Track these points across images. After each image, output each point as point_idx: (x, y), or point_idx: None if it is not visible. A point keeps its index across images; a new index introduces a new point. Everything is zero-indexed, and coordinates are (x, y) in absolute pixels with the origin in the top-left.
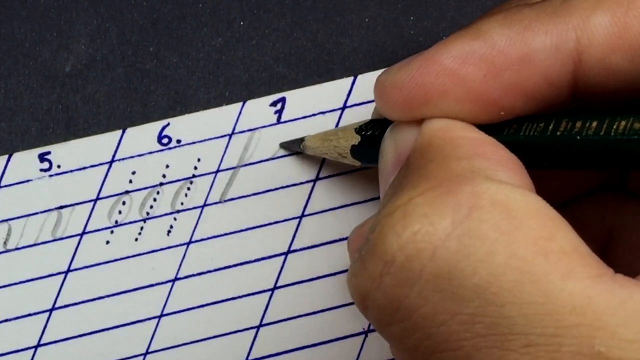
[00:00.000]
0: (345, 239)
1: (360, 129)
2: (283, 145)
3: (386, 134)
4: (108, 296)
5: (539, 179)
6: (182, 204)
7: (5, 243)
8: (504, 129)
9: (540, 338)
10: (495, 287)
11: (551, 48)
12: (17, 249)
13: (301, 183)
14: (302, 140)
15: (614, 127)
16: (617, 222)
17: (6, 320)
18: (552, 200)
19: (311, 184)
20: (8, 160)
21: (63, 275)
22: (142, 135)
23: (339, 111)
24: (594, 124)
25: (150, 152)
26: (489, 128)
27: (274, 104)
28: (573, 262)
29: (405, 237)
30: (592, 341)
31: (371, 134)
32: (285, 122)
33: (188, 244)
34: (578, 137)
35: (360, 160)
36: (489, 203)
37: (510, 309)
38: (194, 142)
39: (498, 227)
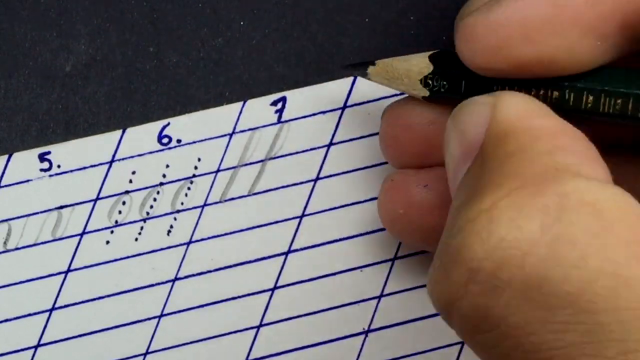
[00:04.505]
0: (345, 239)
1: (426, 82)
2: (345, 70)
3: (449, 123)
4: (108, 296)
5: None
6: (182, 203)
7: (5, 243)
8: (581, 104)
9: (638, 344)
10: (589, 294)
11: None
12: (17, 249)
13: (301, 183)
14: (367, 65)
15: None
16: None
17: (6, 320)
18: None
19: (311, 184)
20: (8, 160)
21: (63, 275)
22: (142, 135)
23: (339, 111)
24: None
25: (150, 152)
26: (565, 109)
27: (274, 103)
28: None
29: (492, 244)
30: None
31: (438, 90)
32: (285, 121)
33: (188, 244)
34: None
35: (434, 101)
36: (578, 204)
37: (605, 316)
38: (194, 142)
39: (589, 230)
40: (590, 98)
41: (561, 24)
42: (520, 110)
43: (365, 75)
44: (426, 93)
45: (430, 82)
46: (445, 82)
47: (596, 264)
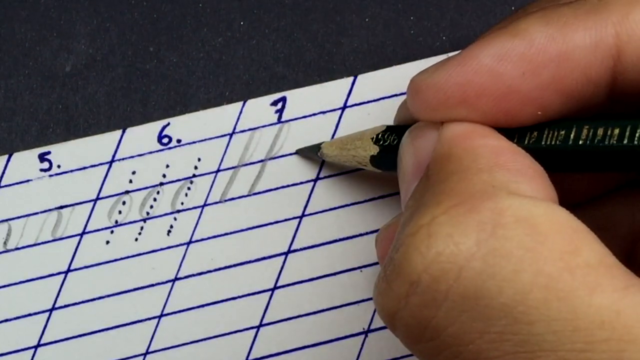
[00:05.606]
0: (345, 239)
1: (377, 138)
2: (300, 152)
3: (403, 140)
4: (108, 296)
5: (566, 177)
6: (182, 203)
7: (5, 243)
8: (525, 136)
9: (569, 354)
10: (523, 306)
11: (590, 44)
12: (17, 249)
13: (301, 183)
14: (318, 147)
15: (638, 134)
16: None
17: (6, 320)
18: (581, 197)
19: (311, 184)
20: (8, 160)
21: (63, 275)
22: (142, 135)
23: (339, 111)
24: (616, 131)
25: (151, 152)
26: (510, 136)
27: (274, 103)
28: (600, 275)
29: (430, 257)
30: (622, 355)
31: (389, 144)
32: (285, 121)
33: (188, 244)
34: (601, 145)
35: (382, 168)
36: (512, 220)
37: (539, 326)
38: (194, 142)
39: (523, 244)
40: (535, 133)
41: (498, 94)
42: (464, 131)
43: (318, 157)
44: (379, 171)
45: (382, 138)
46: (396, 137)
47: (529, 277)
